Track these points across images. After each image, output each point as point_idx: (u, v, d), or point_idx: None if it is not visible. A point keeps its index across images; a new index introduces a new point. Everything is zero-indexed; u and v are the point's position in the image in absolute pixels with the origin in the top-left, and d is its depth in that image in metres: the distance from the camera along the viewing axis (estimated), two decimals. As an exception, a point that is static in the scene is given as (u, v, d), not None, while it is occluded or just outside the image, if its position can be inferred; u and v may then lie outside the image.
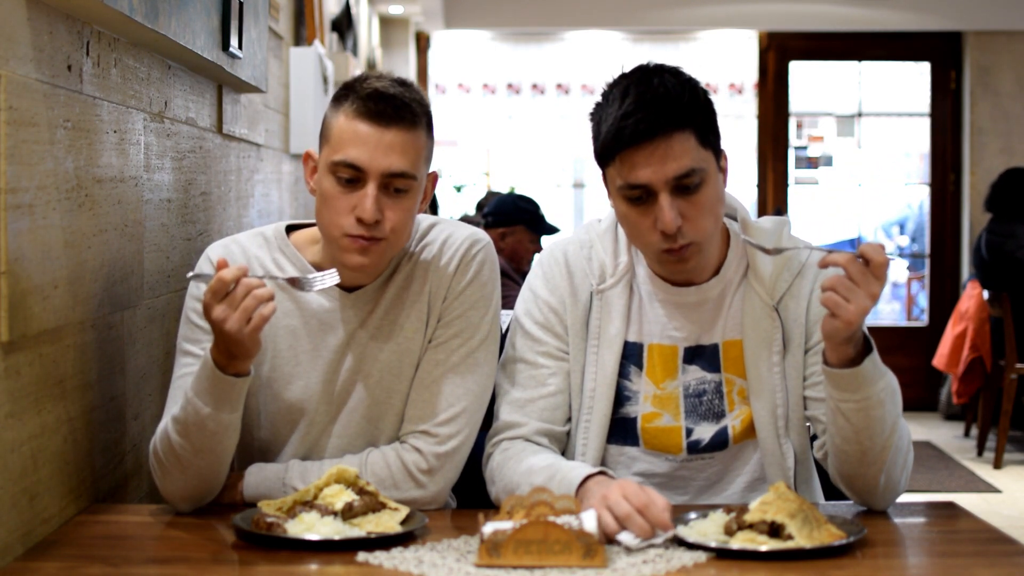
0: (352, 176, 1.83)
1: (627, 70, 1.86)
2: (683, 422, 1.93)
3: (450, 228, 1.99)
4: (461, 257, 1.94)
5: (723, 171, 1.88)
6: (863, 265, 1.65)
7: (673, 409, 1.93)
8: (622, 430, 1.94)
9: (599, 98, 1.86)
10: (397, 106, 1.84)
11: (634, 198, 1.80)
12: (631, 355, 1.94)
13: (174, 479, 1.81)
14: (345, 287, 1.94)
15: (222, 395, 1.75)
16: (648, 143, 1.76)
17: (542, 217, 4.89)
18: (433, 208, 3.80)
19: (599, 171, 1.91)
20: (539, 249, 4.91)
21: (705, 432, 1.93)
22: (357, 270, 1.87)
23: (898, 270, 8.52)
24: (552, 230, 4.94)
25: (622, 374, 1.94)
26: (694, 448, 1.93)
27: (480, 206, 6.42)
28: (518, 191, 5.33)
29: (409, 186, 1.86)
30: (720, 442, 1.93)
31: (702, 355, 1.94)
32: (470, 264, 1.94)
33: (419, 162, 1.88)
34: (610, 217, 1.99)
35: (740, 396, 1.93)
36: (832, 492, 2.06)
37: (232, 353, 1.73)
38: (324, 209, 1.86)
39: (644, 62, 1.87)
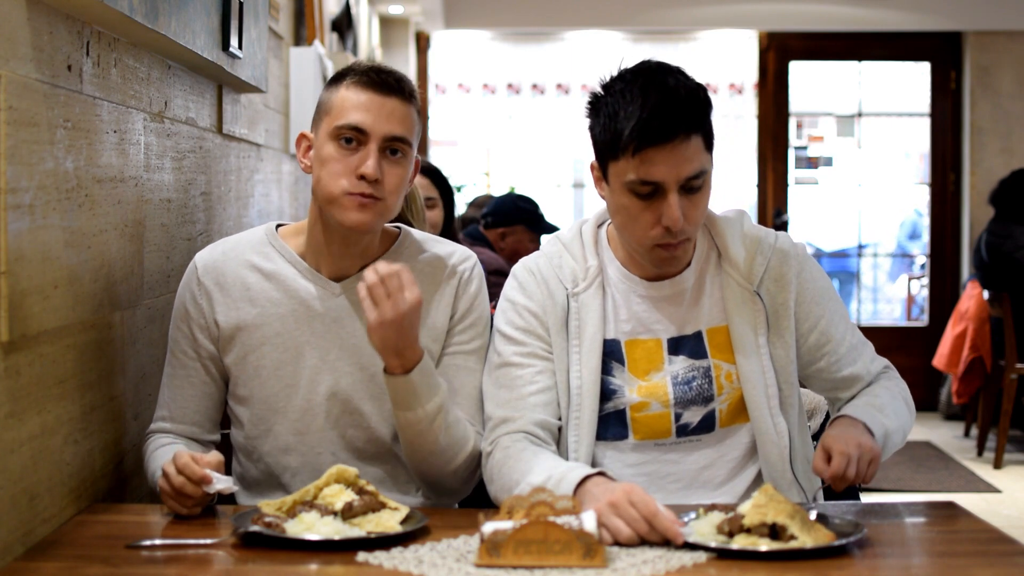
0: (355, 138, 1.95)
1: (630, 66, 1.91)
2: (672, 408, 1.96)
3: (447, 244, 2.14)
4: (471, 271, 2.09)
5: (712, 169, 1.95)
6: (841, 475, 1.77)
7: (662, 397, 1.96)
8: (611, 424, 1.98)
9: (600, 91, 1.91)
10: (397, 78, 1.99)
11: (643, 194, 1.86)
12: (612, 352, 1.98)
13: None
14: (332, 277, 2.04)
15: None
16: (669, 143, 1.82)
17: (541, 216, 4.89)
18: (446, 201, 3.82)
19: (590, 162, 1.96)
20: (538, 248, 4.90)
21: (694, 416, 1.97)
22: (356, 228, 1.97)
23: (900, 282, 8.52)
24: (551, 229, 4.94)
25: (605, 371, 1.98)
26: (683, 431, 1.97)
27: (478, 204, 6.40)
28: (518, 191, 5.32)
29: (406, 152, 1.99)
30: (708, 424, 1.97)
31: (686, 344, 1.98)
32: (471, 280, 2.08)
33: (413, 133, 2.00)
34: (574, 226, 2.07)
35: (728, 380, 1.97)
36: (833, 493, 2.06)
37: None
38: (324, 172, 1.96)
39: (646, 59, 1.92)
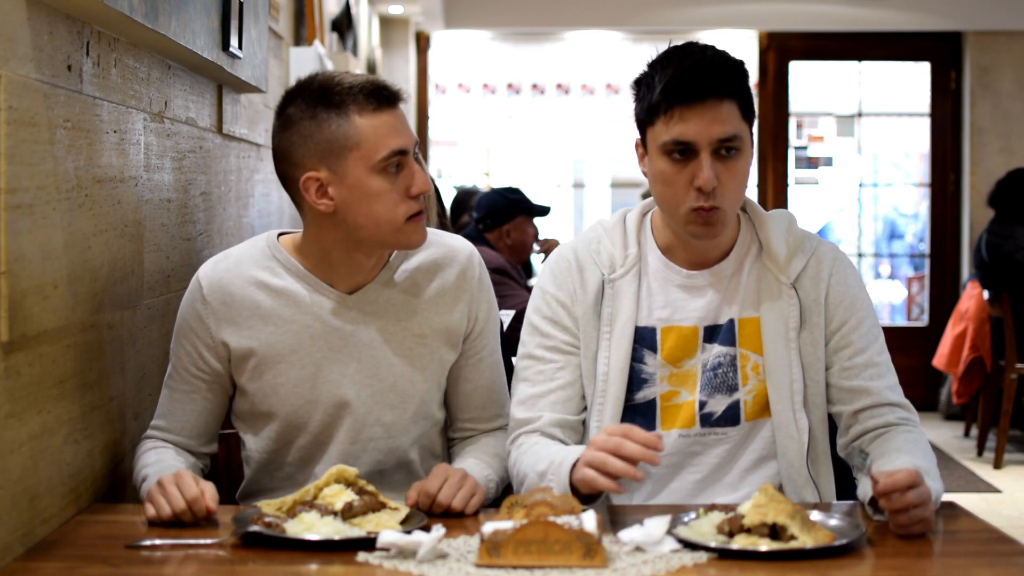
0: (400, 161, 1.92)
1: (677, 44, 1.95)
2: (697, 395, 1.98)
3: (445, 238, 2.09)
4: (479, 274, 2.08)
5: (752, 146, 1.96)
6: (900, 494, 1.64)
7: (691, 386, 1.98)
8: (638, 414, 1.98)
9: (645, 68, 1.94)
10: (391, 87, 1.94)
11: (677, 156, 1.88)
12: (644, 339, 1.99)
13: None
14: (344, 289, 2.00)
15: None
16: (700, 103, 1.86)
17: (531, 200, 4.93)
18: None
19: (631, 142, 2.01)
20: (536, 232, 4.96)
21: (718, 405, 1.97)
22: (419, 244, 1.97)
23: (896, 289, 8.51)
24: (545, 210, 4.96)
25: (636, 358, 1.99)
26: (707, 420, 1.97)
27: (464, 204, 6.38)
28: (514, 191, 5.31)
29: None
30: (732, 416, 1.97)
31: (720, 332, 1.99)
32: (482, 279, 2.08)
33: None
34: (618, 214, 2.07)
35: (754, 371, 1.98)
36: (847, 493, 2.06)
37: None
38: (378, 206, 1.91)
39: (691, 41, 1.96)
